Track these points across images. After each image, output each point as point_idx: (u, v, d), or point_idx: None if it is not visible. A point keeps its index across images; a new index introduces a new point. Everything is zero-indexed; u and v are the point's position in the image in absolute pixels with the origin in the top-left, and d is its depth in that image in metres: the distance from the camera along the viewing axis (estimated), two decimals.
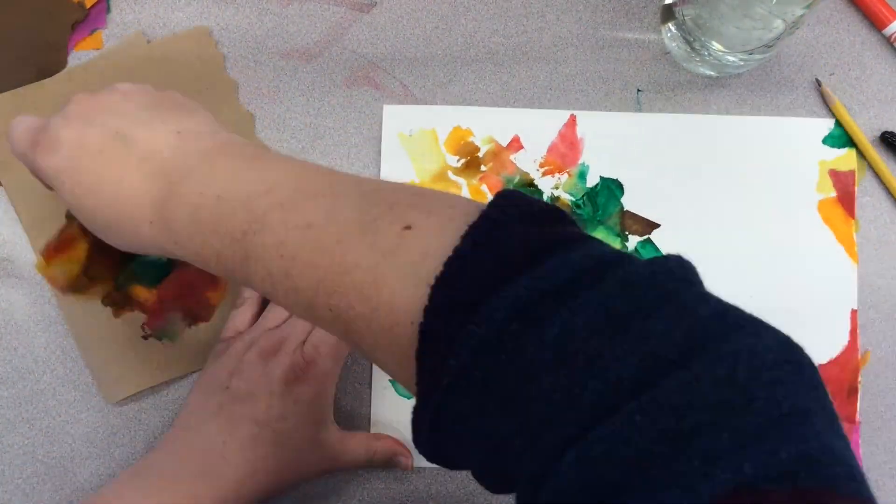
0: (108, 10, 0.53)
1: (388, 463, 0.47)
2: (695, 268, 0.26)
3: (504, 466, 0.26)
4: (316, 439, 0.44)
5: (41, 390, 0.49)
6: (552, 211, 0.28)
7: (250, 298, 0.49)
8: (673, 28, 0.51)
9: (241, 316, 0.48)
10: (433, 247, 0.27)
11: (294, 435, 0.43)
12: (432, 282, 0.26)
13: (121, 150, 0.35)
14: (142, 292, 0.49)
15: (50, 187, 0.38)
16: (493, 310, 0.25)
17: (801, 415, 0.22)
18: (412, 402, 0.28)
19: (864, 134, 0.52)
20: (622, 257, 0.26)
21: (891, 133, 0.51)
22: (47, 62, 0.51)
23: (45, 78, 0.51)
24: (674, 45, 0.52)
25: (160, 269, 0.49)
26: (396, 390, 0.49)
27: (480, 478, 0.28)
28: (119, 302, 0.49)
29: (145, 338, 0.49)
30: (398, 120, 0.52)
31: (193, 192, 0.33)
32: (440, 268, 0.26)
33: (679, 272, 0.26)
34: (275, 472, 0.43)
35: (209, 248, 0.33)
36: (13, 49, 0.51)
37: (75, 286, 0.48)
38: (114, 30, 0.52)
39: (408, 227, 0.28)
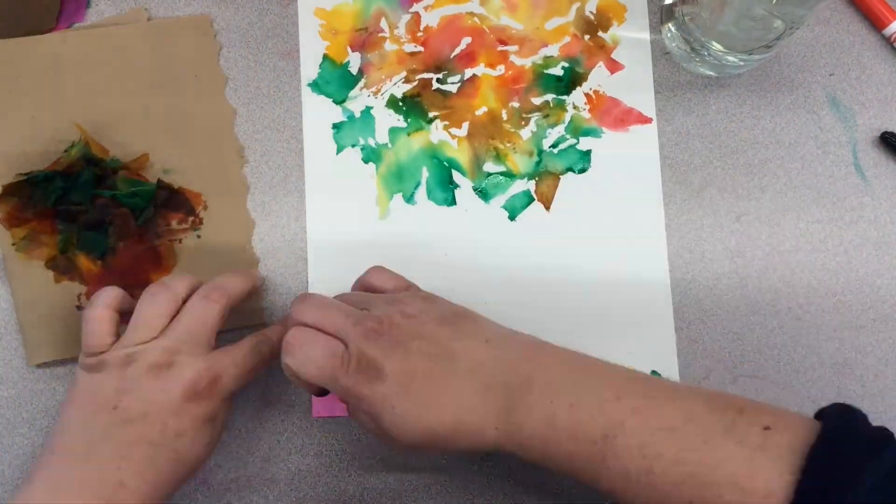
0: (88, 4, 0.52)
1: (273, 353, 0.45)
2: None
3: None
4: (211, 451, 0.43)
5: (40, 391, 0.49)
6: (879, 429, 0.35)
7: (108, 307, 0.43)
8: (673, 28, 0.51)
9: (103, 326, 0.43)
10: (795, 443, 0.34)
11: (192, 450, 0.42)
12: (797, 472, 0.33)
13: (447, 368, 0.39)
14: (87, 263, 0.49)
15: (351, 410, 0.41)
16: (871, 482, 0.32)
17: None
18: None
19: (865, 134, 0.52)
20: None
21: (891, 133, 0.51)
22: (37, 22, 0.51)
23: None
24: (674, 45, 0.52)
25: (104, 242, 0.49)
26: None
27: None
28: (62, 268, 0.49)
29: (79, 308, 0.49)
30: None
31: (543, 402, 0.38)
32: (803, 460, 0.34)
33: None
34: (179, 485, 0.42)
35: (561, 450, 0.37)
36: (4, 5, 0.51)
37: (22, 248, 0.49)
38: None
39: (767, 428, 0.35)
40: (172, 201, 0.50)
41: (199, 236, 0.50)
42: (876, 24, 0.52)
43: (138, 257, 0.49)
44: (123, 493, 0.39)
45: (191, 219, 0.50)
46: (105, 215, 0.49)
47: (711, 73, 0.52)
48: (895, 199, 0.51)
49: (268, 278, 0.50)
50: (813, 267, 0.51)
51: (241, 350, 0.44)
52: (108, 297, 0.44)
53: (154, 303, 0.43)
